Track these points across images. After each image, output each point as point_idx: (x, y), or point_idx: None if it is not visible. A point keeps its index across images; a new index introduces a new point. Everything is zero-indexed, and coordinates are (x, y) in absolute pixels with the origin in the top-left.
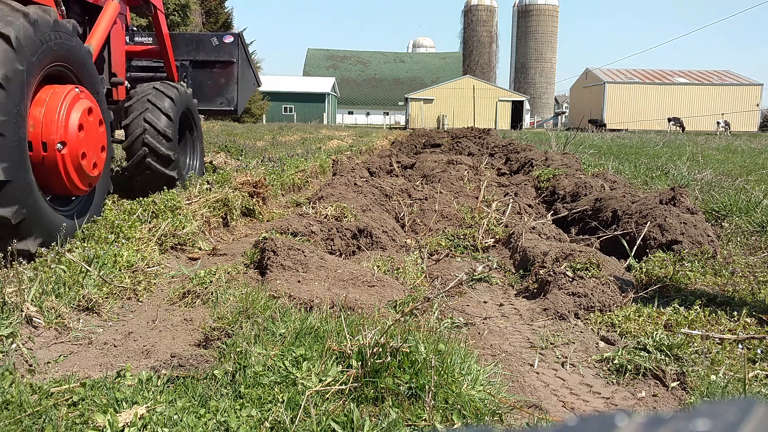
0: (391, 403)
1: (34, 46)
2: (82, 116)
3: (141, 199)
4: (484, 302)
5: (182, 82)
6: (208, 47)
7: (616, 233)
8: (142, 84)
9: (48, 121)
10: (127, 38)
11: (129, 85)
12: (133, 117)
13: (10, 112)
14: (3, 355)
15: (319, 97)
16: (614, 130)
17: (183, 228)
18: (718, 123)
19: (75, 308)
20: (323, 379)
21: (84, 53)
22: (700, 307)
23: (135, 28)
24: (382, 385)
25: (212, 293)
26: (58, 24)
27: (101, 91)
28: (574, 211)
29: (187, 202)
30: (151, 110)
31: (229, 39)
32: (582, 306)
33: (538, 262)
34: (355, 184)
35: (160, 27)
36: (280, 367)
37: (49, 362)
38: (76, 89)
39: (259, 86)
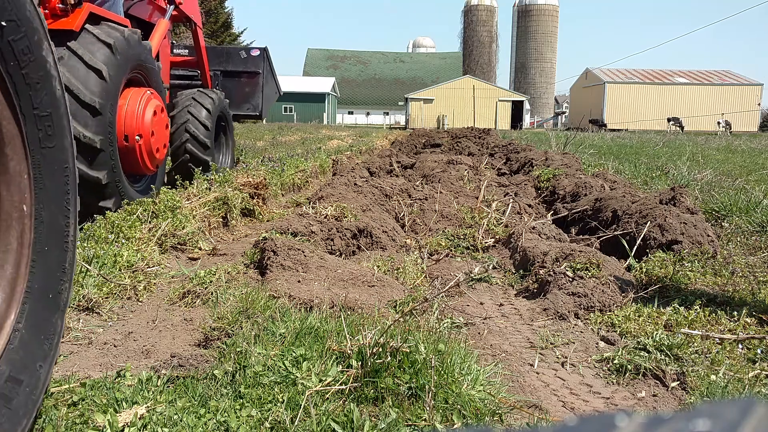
0: (391, 403)
1: (125, 55)
2: (154, 113)
3: (141, 198)
4: (484, 302)
5: (215, 90)
6: (236, 59)
7: (616, 233)
8: (184, 92)
9: (129, 116)
10: None
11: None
12: (177, 126)
13: (108, 98)
14: None
15: (319, 97)
16: (614, 130)
17: (183, 228)
18: (719, 123)
19: (75, 308)
20: (323, 379)
21: (153, 63)
22: (700, 307)
23: (174, 42)
24: (382, 385)
25: (212, 293)
26: (139, 41)
27: (164, 93)
28: (574, 211)
29: (187, 202)
30: (191, 121)
31: (255, 53)
32: (582, 306)
33: (538, 262)
34: (355, 184)
35: (198, 41)
36: (280, 367)
37: None
38: (148, 91)
39: (280, 95)
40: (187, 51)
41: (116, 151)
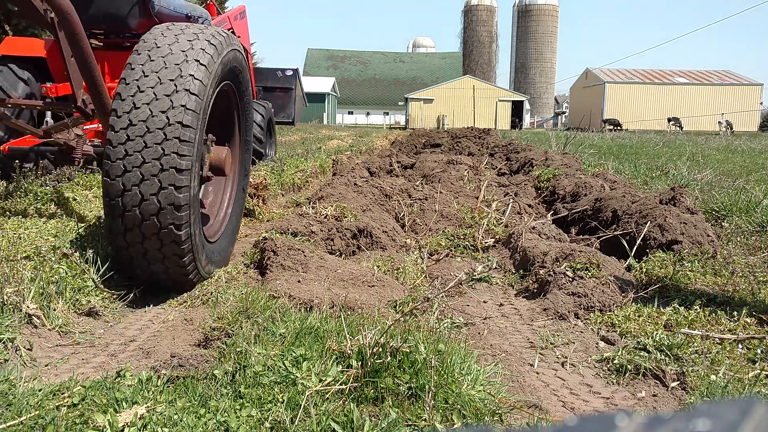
0: (391, 403)
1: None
2: None
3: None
4: (484, 302)
5: (260, 101)
6: (273, 77)
7: (616, 233)
8: None
9: None
10: None
11: None
12: None
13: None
14: (3, 357)
15: (319, 97)
16: (614, 129)
17: None
18: (720, 123)
19: (76, 309)
20: (323, 379)
21: None
22: (700, 307)
23: None
24: (382, 385)
25: (212, 293)
26: None
27: None
28: (574, 211)
29: None
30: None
31: (289, 72)
32: (582, 306)
33: (538, 262)
34: (355, 184)
35: (248, 64)
36: (280, 367)
37: (49, 363)
38: None
39: (306, 106)
40: None
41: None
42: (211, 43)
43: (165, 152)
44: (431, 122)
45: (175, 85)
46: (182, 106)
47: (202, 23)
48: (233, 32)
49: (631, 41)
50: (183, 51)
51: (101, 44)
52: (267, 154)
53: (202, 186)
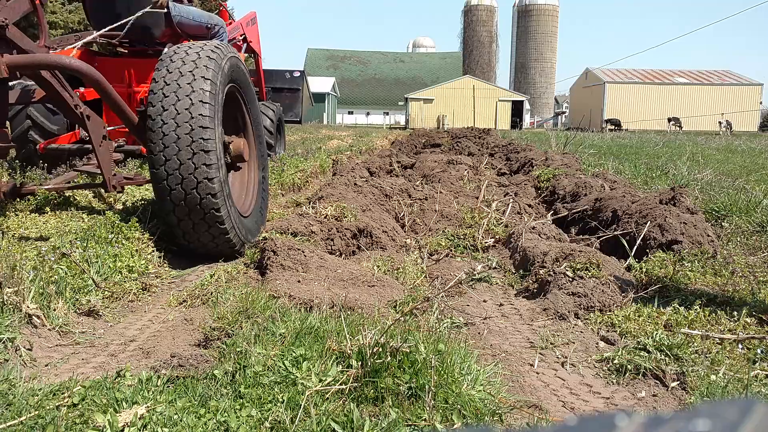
0: (391, 403)
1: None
2: None
3: (140, 199)
4: (484, 302)
5: (270, 102)
6: (282, 79)
7: (616, 233)
8: None
9: None
10: None
11: None
12: None
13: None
14: (3, 357)
15: (319, 97)
16: (613, 129)
17: None
18: (720, 123)
19: (76, 309)
20: (323, 379)
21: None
22: (700, 307)
23: None
24: (382, 385)
25: (212, 293)
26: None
27: None
28: (574, 211)
29: None
30: (263, 119)
31: (296, 74)
32: (582, 306)
33: (538, 262)
34: (355, 184)
35: (258, 66)
36: (280, 367)
37: (49, 363)
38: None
39: (312, 106)
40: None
41: None
42: (211, 57)
43: (194, 139)
44: (431, 122)
45: (192, 87)
46: (200, 105)
47: (218, 31)
48: (245, 37)
49: (631, 41)
50: (193, 61)
51: (126, 51)
52: (277, 152)
53: (230, 173)
